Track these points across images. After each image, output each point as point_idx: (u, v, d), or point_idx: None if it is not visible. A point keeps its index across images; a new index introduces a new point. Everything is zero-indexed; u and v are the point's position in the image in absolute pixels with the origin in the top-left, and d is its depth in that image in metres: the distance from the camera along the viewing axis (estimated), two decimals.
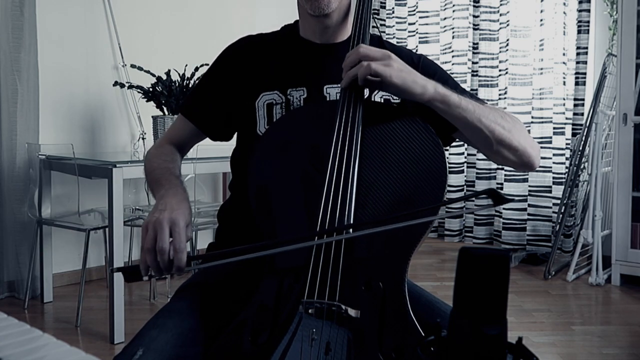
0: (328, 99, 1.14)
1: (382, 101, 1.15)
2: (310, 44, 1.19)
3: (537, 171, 3.79)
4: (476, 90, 4.08)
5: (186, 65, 3.08)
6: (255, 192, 0.98)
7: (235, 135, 1.25)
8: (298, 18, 1.23)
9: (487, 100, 4.00)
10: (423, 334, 0.83)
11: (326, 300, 0.84)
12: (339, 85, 1.03)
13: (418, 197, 0.92)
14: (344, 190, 0.91)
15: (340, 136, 0.96)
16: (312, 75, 1.15)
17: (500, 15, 3.93)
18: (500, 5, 3.92)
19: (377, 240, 0.90)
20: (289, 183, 0.98)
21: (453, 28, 4.24)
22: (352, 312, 0.83)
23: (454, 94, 1.00)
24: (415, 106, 1.03)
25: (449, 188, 4.24)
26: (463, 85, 4.66)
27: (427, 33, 4.46)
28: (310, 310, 0.84)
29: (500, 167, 3.88)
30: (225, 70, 1.20)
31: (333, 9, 1.11)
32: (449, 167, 4.21)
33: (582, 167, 3.43)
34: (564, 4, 3.67)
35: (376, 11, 4.61)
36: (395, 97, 1.14)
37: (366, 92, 1.13)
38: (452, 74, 4.25)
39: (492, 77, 4.00)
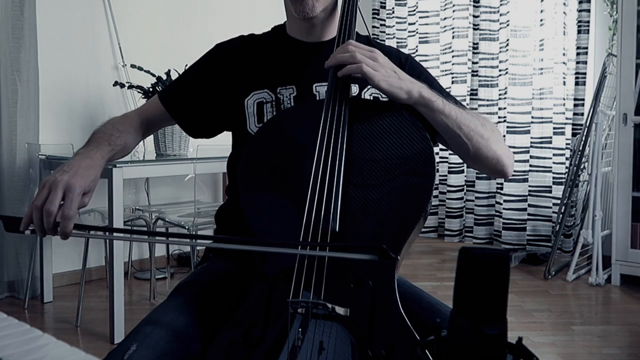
0: (317, 97, 1.14)
1: (372, 98, 1.15)
2: (298, 42, 1.21)
3: (537, 171, 3.79)
4: (476, 90, 4.08)
5: (186, 65, 3.06)
6: (245, 193, 0.98)
7: (232, 141, 1.25)
8: None
9: (487, 100, 4.00)
10: (414, 332, 0.83)
11: (311, 300, 0.84)
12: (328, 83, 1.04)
13: (407, 192, 0.92)
14: (329, 189, 0.91)
15: (326, 135, 0.96)
16: (300, 74, 1.16)
17: (500, 15, 3.93)
18: (500, 5, 3.92)
19: (363, 241, 0.90)
20: (279, 184, 0.98)
21: (453, 28, 4.24)
22: (340, 310, 0.84)
23: (439, 99, 1.02)
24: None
25: (449, 188, 4.24)
26: (463, 86, 4.63)
27: (427, 33, 4.46)
28: (299, 310, 0.84)
29: None
30: (214, 69, 1.20)
31: (317, 12, 1.13)
32: (449, 167, 4.21)
33: (582, 167, 3.43)
34: (564, 4, 3.67)
35: (376, 11, 4.61)
36: (384, 96, 1.15)
37: (356, 89, 1.14)
38: (452, 74, 4.25)
39: (492, 77, 4.00)
